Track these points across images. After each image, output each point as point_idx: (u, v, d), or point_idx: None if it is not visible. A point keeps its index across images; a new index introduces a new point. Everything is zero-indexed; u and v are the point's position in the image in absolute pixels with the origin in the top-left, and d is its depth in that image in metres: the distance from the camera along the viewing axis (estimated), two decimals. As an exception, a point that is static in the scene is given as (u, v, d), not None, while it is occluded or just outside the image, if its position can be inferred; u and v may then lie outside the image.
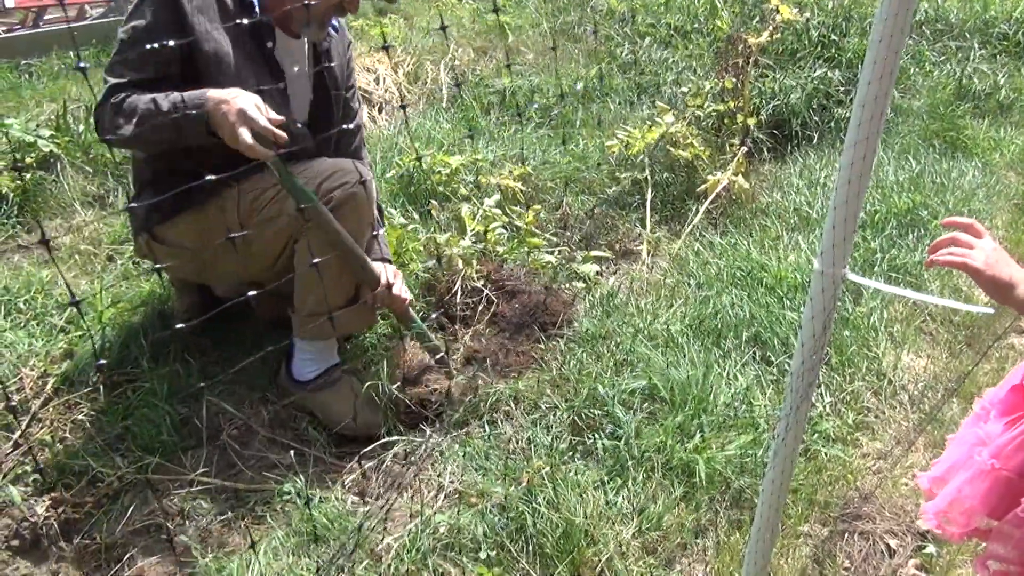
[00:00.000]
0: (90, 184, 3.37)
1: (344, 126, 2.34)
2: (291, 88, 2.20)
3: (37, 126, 3.43)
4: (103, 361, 1.77)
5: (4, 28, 5.88)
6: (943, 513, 1.50)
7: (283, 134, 1.82)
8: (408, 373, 2.39)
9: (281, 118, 1.86)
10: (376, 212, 2.44)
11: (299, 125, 2.23)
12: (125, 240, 2.93)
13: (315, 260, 1.83)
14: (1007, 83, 4.83)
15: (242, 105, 1.81)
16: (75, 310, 2.48)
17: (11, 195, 3.14)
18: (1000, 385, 1.53)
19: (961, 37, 5.27)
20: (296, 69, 2.23)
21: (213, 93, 1.85)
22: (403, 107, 3.01)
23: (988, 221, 3.51)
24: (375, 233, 2.38)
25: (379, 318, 2.42)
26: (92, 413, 2.17)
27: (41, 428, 2.11)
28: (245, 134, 1.79)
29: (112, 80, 1.94)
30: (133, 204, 2.19)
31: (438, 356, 2.41)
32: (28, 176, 3.23)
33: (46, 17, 6.29)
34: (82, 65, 1.20)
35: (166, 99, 1.86)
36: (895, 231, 3.31)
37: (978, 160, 4.08)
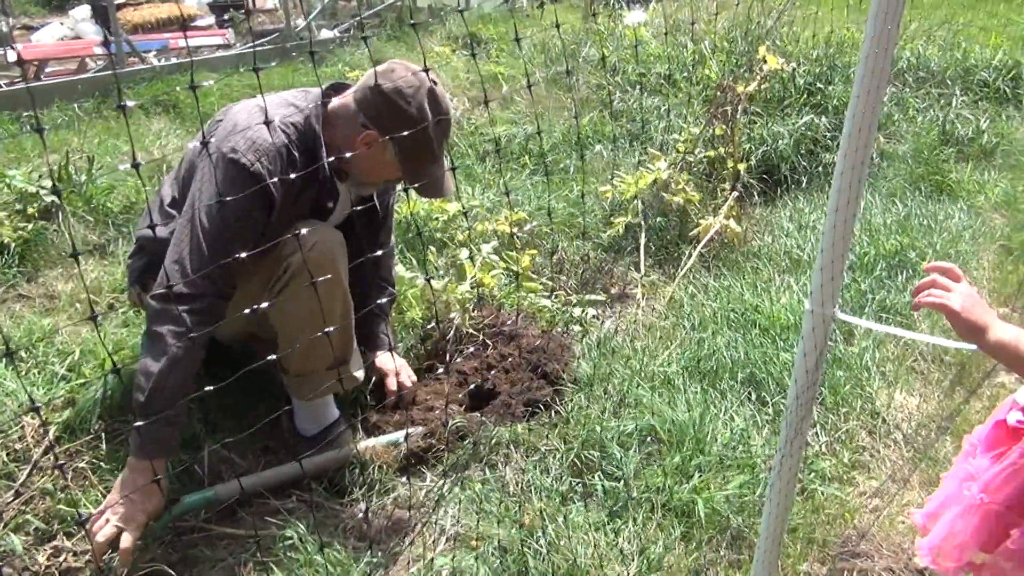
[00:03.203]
0: (91, 233, 3.42)
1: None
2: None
3: (39, 177, 3.48)
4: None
5: (6, 81, 5.98)
6: (937, 548, 1.52)
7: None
8: (409, 417, 2.41)
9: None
10: (385, 301, 2.55)
11: None
12: (125, 288, 2.96)
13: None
14: (989, 128, 4.95)
15: (126, 513, 1.85)
16: (76, 358, 2.52)
17: (12, 245, 3.18)
18: (986, 422, 1.57)
19: (943, 84, 5.42)
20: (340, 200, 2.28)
21: (131, 469, 1.92)
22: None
23: (975, 262, 3.57)
24: (384, 320, 2.54)
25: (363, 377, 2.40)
26: (94, 461, 2.18)
27: (42, 477, 2.12)
28: (124, 538, 1.82)
29: (185, 290, 1.91)
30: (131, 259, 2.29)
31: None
32: (30, 226, 3.28)
33: (48, 70, 6.41)
34: (124, 104, 1.22)
35: (146, 400, 1.93)
36: (884, 272, 3.36)
37: (963, 203, 4.16)
